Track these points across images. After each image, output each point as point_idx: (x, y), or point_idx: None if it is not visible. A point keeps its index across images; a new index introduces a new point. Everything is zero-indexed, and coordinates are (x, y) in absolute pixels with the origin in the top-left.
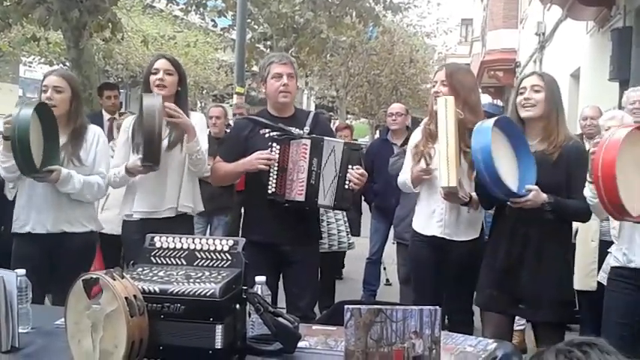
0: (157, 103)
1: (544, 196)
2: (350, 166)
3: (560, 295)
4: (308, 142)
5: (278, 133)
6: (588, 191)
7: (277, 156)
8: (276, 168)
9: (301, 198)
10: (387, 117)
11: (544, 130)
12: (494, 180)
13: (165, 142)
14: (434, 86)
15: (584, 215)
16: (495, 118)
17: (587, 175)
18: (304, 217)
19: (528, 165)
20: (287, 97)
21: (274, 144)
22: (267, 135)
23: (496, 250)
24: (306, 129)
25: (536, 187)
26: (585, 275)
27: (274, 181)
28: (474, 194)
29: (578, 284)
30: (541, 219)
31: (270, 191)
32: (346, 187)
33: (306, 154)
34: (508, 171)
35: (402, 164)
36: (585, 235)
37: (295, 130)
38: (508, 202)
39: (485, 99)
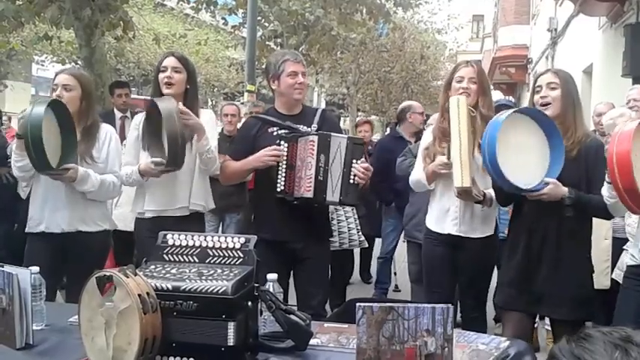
0: (173, 106)
1: (564, 189)
2: (354, 160)
3: (580, 292)
4: (315, 138)
5: (286, 130)
6: (606, 191)
7: (285, 153)
8: (284, 165)
9: (309, 194)
10: (413, 114)
11: (561, 126)
12: (496, 173)
13: None
14: (459, 82)
15: (606, 211)
16: (514, 109)
17: (606, 176)
18: (314, 215)
19: (558, 157)
20: (302, 93)
21: (282, 142)
22: (275, 133)
23: (515, 247)
24: (314, 126)
25: (554, 180)
26: (599, 274)
27: (283, 178)
28: (486, 191)
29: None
30: (560, 216)
31: (278, 189)
32: (351, 181)
33: (314, 151)
34: (528, 162)
35: (408, 164)
36: (598, 233)
37: (303, 128)
38: (526, 196)
39: (497, 95)
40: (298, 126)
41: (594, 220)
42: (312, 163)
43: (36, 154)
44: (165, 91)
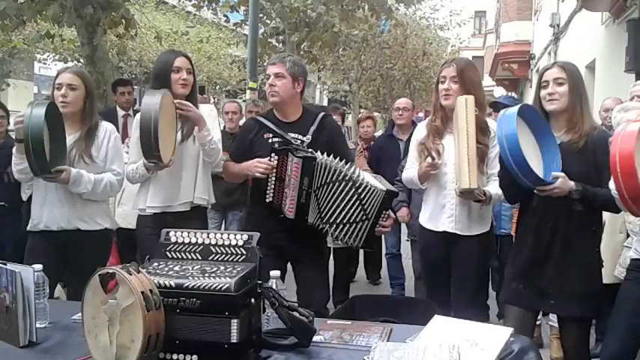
0: (156, 102)
1: (571, 183)
2: (384, 212)
3: (588, 288)
4: (300, 161)
5: (279, 140)
6: (613, 184)
7: (275, 166)
8: (274, 178)
9: (291, 216)
10: (393, 111)
11: (569, 121)
12: (521, 167)
13: (178, 136)
14: (442, 82)
15: (614, 204)
16: (520, 105)
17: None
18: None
19: (552, 154)
20: (274, 96)
21: (273, 154)
22: (270, 140)
23: (523, 243)
24: (308, 137)
25: (562, 174)
26: (613, 268)
27: (272, 190)
28: (486, 190)
29: (606, 278)
30: (569, 211)
31: (267, 199)
32: (375, 232)
33: (298, 173)
34: (533, 159)
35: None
36: (612, 226)
37: (297, 139)
38: (535, 191)
39: (500, 91)
40: (293, 135)
41: (609, 214)
42: (295, 185)
43: (35, 156)
44: (180, 91)
